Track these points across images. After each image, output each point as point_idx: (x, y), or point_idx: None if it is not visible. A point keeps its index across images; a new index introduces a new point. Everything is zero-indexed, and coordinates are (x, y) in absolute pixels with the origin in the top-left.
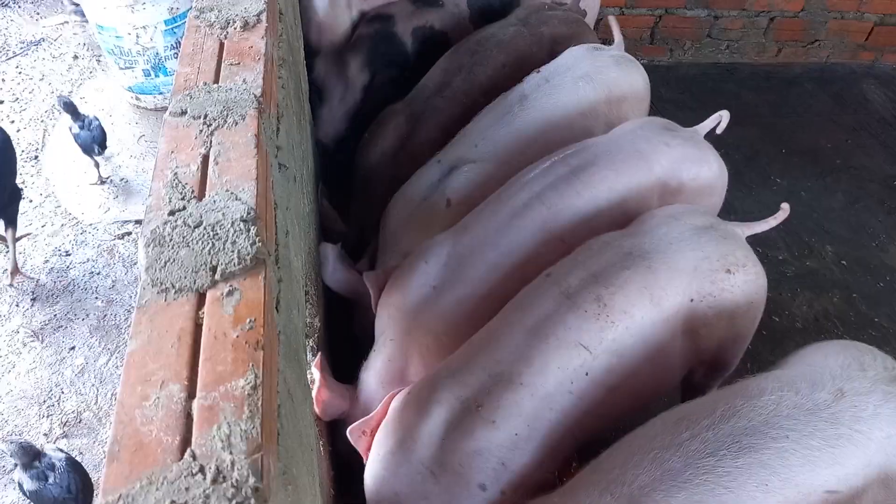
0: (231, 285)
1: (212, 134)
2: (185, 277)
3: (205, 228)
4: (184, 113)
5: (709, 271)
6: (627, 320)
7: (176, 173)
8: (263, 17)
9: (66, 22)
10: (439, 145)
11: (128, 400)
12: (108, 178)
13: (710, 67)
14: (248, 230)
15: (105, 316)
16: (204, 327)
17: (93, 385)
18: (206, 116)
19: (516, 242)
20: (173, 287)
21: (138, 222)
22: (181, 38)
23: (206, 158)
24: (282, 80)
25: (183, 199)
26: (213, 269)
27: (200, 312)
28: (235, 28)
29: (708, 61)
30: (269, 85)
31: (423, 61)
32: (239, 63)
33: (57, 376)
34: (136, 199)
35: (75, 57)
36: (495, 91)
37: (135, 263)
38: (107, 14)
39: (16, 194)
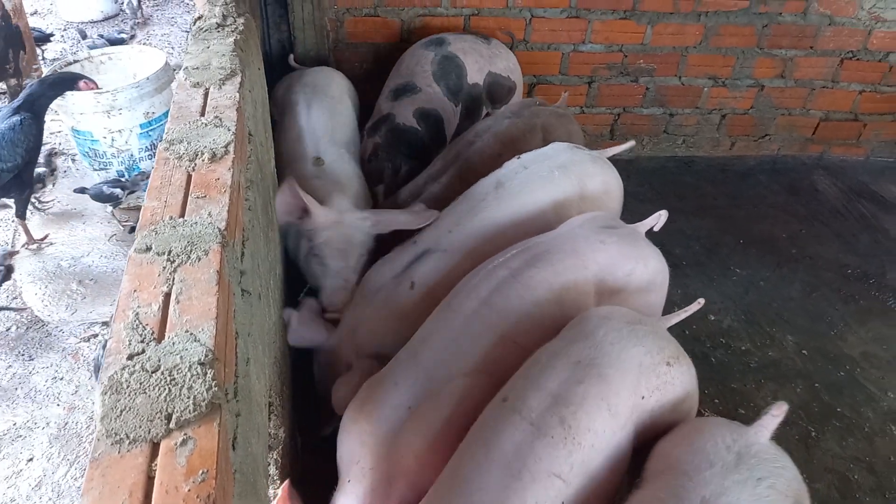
0: (185, 434)
1: (174, 270)
2: (140, 427)
3: (162, 373)
4: (148, 249)
5: (652, 365)
6: (592, 437)
7: (137, 314)
8: (231, 147)
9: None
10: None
11: None
12: (79, 279)
13: (669, 161)
14: (206, 374)
15: (66, 424)
16: (156, 481)
17: (50, 499)
18: (170, 252)
19: (477, 350)
20: (127, 438)
21: (105, 324)
22: (156, 140)
23: (167, 297)
24: (249, 202)
25: (143, 341)
26: (168, 417)
27: (153, 464)
28: (203, 160)
29: (666, 155)
30: (235, 214)
31: (432, 142)
32: (205, 196)
33: (13, 490)
34: (104, 299)
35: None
36: None
37: (98, 368)
38: (84, 119)
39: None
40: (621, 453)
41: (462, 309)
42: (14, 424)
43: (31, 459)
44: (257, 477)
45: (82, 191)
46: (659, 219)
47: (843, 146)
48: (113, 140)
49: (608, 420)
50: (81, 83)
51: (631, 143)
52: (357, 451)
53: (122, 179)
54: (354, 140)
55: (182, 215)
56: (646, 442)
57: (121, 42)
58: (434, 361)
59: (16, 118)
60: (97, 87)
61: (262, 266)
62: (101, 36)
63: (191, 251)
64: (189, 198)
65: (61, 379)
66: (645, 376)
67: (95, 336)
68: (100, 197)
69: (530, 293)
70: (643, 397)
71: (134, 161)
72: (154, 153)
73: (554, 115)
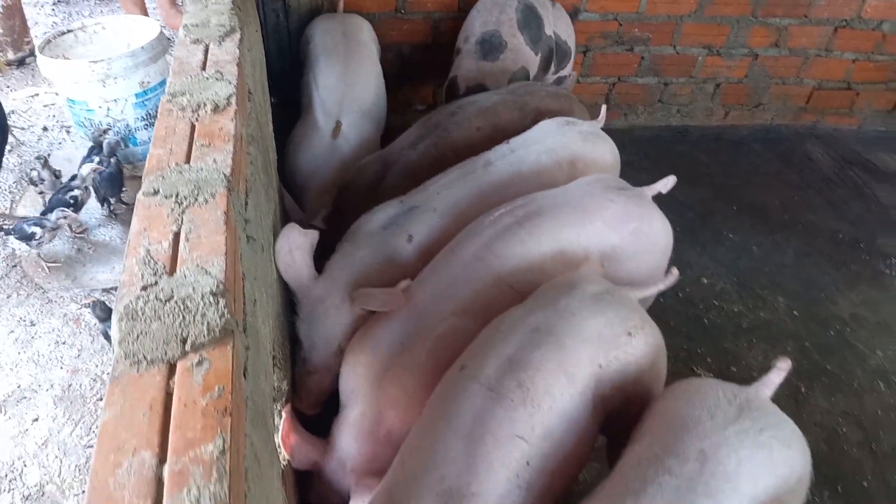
0: (200, 355)
1: (183, 212)
2: (157, 349)
3: (175, 302)
4: (156, 192)
5: (612, 336)
6: (550, 400)
7: (148, 250)
8: (233, 99)
9: (37, 94)
10: (404, 192)
11: (101, 468)
12: (79, 242)
13: (663, 130)
14: (217, 303)
15: (70, 385)
16: (174, 396)
17: (56, 457)
18: (177, 195)
19: (471, 292)
20: (145, 359)
21: (106, 290)
22: (152, 109)
23: (177, 235)
24: (250, 156)
25: (155, 274)
26: (184, 341)
27: (171, 382)
28: (206, 111)
29: (660, 124)
30: (239, 163)
31: None
32: (209, 144)
33: (19, 449)
34: (103, 267)
35: (45, 129)
36: (466, 151)
37: (101, 332)
38: (78, 88)
39: None
40: (582, 419)
41: (462, 252)
42: (18, 387)
43: (36, 420)
44: (266, 413)
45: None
46: (667, 183)
47: (835, 115)
48: (108, 109)
49: (566, 386)
50: None
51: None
52: (353, 381)
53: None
54: (378, 102)
55: (187, 162)
56: (612, 411)
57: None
58: (429, 301)
59: None
60: None
61: (264, 221)
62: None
63: (198, 194)
64: (194, 146)
65: (63, 343)
66: (604, 347)
67: (96, 301)
68: (21, 235)
69: (533, 241)
70: (601, 366)
71: (130, 131)
72: (150, 123)
73: (552, 96)
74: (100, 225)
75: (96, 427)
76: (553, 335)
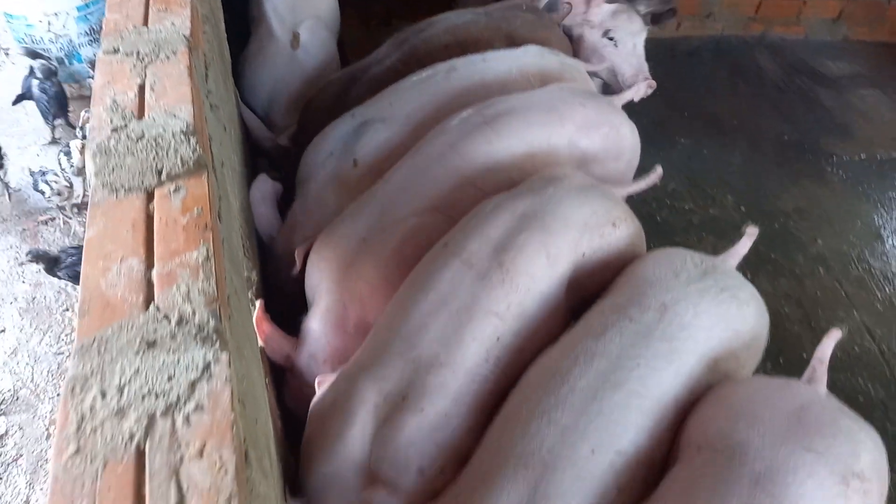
0: (176, 184)
1: (146, 67)
2: (133, 179)
3: (147, 141)
4: (116, 51)
5: (597, 225)
6: (529, 282)
7: (114, 99)
8: None
9: None
10: None
11: (91, 272)
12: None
13: None
14: (189, 140)
15: (34, 298)
16: (155, 217)
17: (27, 364)
18: (138, 53)
19: (436, 190)
20: (123, 187)
21: (61, 208)
22: (95, 24)
23: (141, 87)
24: (206, 34)
25: (124, 119)
26: (159, 172)
27: (150, 206)
28: None
29: None
30: (196, 30)
31: None
32: (166, 9)
33: None
34: None
35: None
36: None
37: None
38: (16, 2)
39: None
40: (557, 303)
41: (428, 151)
42: None
43: (2, 331)
44: (240, 262)
45: None
46: (638, 91)
47: (783, 25)
48: (49, 24)
49: (545, 268)
50: None
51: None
52: (317, 277)
53: None
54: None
55: (145, 25)
56: (588, 299)
57: None
58: (391, 198)
59: None
60: None
61: (224, 110)
62: None
63: (159, 52)
64: (150, 10)
65: (23, 264)
66: (588, 235)
67: (53, 220)
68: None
69: (501, 141)
70: (584, 255)
71: (73, 48)
72: (95, 38)
73: (529, 25)
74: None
75: (66, 335)
76: (539, 220)
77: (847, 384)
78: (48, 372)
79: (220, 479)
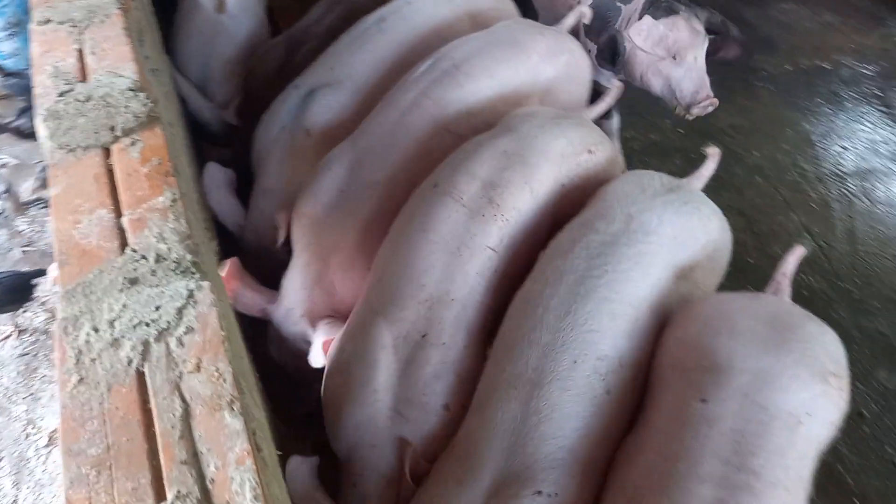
0: (132, 138)
1: (82, 33)
2: (88, 138)
3: (96, 101)
4: (48, 21)
5: (574, 154)
6: (517, 215)
7: (56, 66)
8: None
9: None
10: None
11: (62, 226)
12: None
13: None
14: (138, 96)
15: None
16: (115, 169)
17: None
18: (72, 20)
19: (410, 138)
20: (80, 146)
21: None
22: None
23: (80, 52)
24: (136, 1)
25: (68, 83)
26: (112, 129)
27: (109, 161)
28: None
29: None
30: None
31: None
32: None
33: None
34: None
35: None
36: None
37: None
38: None
39: None
40: (541, 229)
41: (400, 101)
42: None
43: None
44: (200, 218)
45: None
46: (584, 14)
47: None
48: None
49: (530, 201)
50: None
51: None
52: (299, 231)
53: None
54: None
55: None
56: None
57: None
58: (368, 149)
59: None
60: None
61: (162, 80)
62: None
63: (93, 17)
64: None
65: None
66: (566, 164)
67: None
68: None
69: (471, 83)
70: (563, 185)
71: None
72: (11, 33)
73: None
74: None
75: (28, 335)
76: (519, 156)
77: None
78: (16, 373)
79: (220, 386)
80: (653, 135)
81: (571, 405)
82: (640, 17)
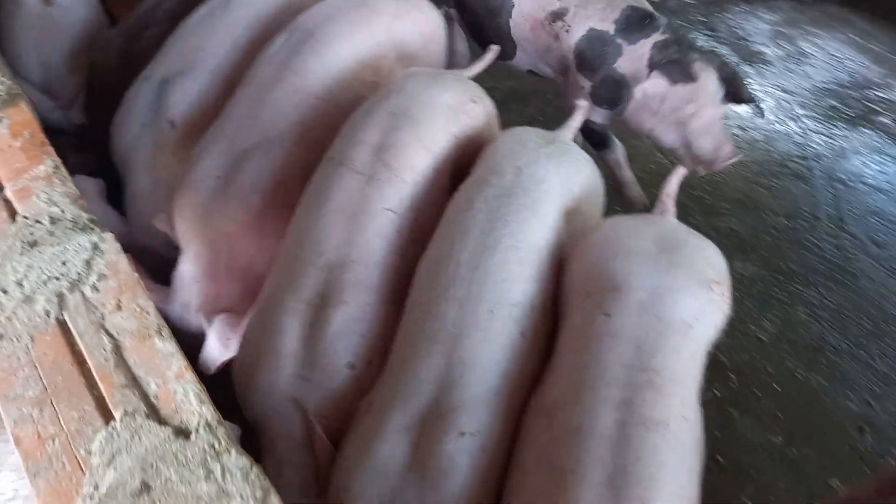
0: None
1: None
2: None
3: None
4: None
5: (460, 104)
6: (413, 174)
7: None
8: None
9: None
10: None
11: None
12: None
13: None
14: None
15: None
16: None
17: None
18: None
19: (280, 113)
20: None
21: None
22: None
23: None
24: None
25: None
26: None
27: None
28: None
29: None
30: None
31: None
32: None
33: None
34: None
35: None
36: None
37: None
38: None
39: None
40: (441, 187)
41: (262, 77)
42: None
43: None
44: None
45: None
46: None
47: None
48: None
49: (426, 158)
50: None
51: None
52: (182, 225)
53: None
54: None
55: None
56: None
57: None
58: (237, 130)
59: None
60: None
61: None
62: None
63: None
64: None
65: None
66: (454, 116)
67: None
68: None
69: (328, 48)
70: (455, 136)
71: None
72: None
73: None
74: None
75: None
76: (408, 114)
77: (653, 198)
78: None
79: (144, 319)
80: (510, 81)
81: (492, 352)
82: (650, 67)
